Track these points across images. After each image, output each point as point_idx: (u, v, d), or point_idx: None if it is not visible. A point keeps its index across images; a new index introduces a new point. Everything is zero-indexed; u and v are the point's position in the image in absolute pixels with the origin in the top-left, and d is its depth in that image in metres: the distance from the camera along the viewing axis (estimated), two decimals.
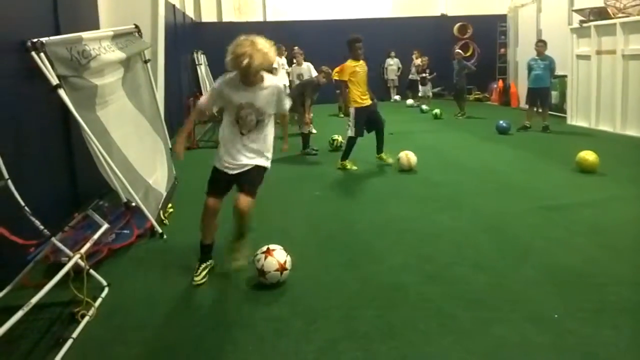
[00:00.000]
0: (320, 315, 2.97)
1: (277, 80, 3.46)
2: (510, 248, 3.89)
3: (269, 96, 3.32)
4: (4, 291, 3.11)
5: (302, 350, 2.61)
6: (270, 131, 3.45)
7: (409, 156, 6.64)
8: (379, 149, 7.04)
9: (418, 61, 14.50)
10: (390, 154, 6.93)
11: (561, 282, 3.27)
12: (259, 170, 3.42)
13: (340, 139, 8.23)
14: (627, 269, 3.41)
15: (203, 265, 3.50)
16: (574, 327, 2.72)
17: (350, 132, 6.69)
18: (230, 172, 3.38)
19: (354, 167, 6.76)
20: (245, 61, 3.03)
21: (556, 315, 2.84)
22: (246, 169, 3.37)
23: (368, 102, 6.73)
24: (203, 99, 3.57)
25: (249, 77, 3.20)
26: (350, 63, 6.69)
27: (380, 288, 3.28)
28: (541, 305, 2.98)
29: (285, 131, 3.94)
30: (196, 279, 3.42)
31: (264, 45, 3.11)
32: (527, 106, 9.92)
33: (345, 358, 2.53)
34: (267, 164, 3.46)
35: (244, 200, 3.29)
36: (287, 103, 3.53)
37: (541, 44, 9.46)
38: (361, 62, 6.74)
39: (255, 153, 3.39)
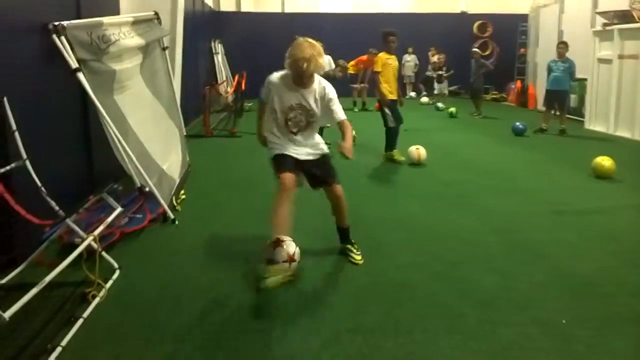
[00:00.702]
0: (327, 307, 2.99)
1: (324, 81, 3.42)
2: (520, 250, 3.87)
3: (318, 97, 3.34)
4: (19, 268, 3.18)
5: (307, 341, 2.63)
6: (316, 131, 3.51)
7: (419, 150, 6.75)
8: (389, 147, 6.99)
9: (434, 58, 14.41)
10: (403, 151, 6.92)
11: (570, 288, 3.25)
12: (326, 158, 3.50)
13: (354, 132, 8.21)
14: (638, 279, 3.37)
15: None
16: (581, 334, 2.70)
17: (391, 123, 6.74)
18: (293, 154, 3.39)
19: (402, 158, 6.78)
20: (305, 65, 3.08)
21: (564, 321, 2.83)
22: (313, 158, 3.43)
23: (394, 97, 6.79)
24: (262, 93, 3.50)
25: (304, 79, 3.23)
26: (383, 55, 6.77)
27: (389, 284, 3.29)
28: (549, 310, 2.96)
29: (348, 135, 3.39)
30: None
31: (320, 48, 3.17)
32: (544, 108, 9.82)
33: (350, 351, 2.54)
34: (326, 149, 3.53)
35: (337, 188, 3.45)
36: (340, 111, 3.43)
37: (562, 46, 9.34)
38: (393, 56, 6.81)
39: (311, 147, 3.46)
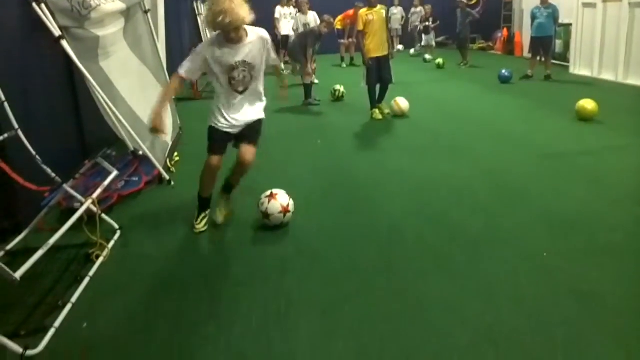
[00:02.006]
0: (322, 254, 3.14)
1: (259, 30, 3.33)
2: (506, 193, 4.02)
3: (258, 49, 3.29)
4: (22, 234, 3.27)
5: (305, 285, 2.79)
6: (262, 83, 3.46)
7: (397, 102, 6.85)
8: (371, 105, 6.95)
9: (418, 10, 14.23)
10: (387, 104, 6.98)
11: (553, 225, 3.41)
12: (259, 122, 3.49)
13: (342, 89, 8.23)
14: (619, 216, 3.52)
15: (202, 215, 3.57)
16: (562, 265, 2.88)
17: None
18: (233, 131, 3.41)
19: (380, 117, 6.79)
20: (222, 17, 2.95)
21: (545, 254, 3.00)
22: (249, 124, 3.44)
23: (382, 52, 6.59)
24: (184, 69, 3.29)
25: (232, 34, 3.11)
26: (363, 12, 6.55)
27: (380, 231, 3.44)
28: (533, 246, 3.13)
29: (284, 80, 3.97)
30: (198, 227, 3.53)
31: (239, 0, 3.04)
32: (530, 55, 9.83)
33: (346, 291, 2.70)
34: (264, 115, 3.53)
35: (250, 151, 3.37)
36: (274, 53, 3.51)
37: None
38: (377, 8, 6.52)
39: (254, 108, 3.46)
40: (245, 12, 3.05)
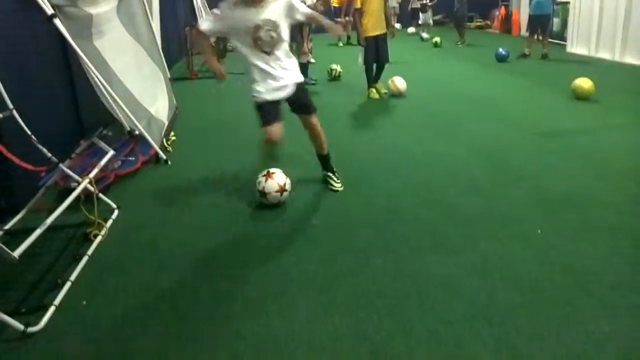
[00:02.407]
0: (319, 232, 3.16)
1: None
2: (502, 173, 4.04)
3: (281, 8, 3.27)
4: (20, 214, 3.29)
5: (302, 263, 2.81)
6: (287, 43, 3.41)
7: (394, 82, 6.83)
8: (374, 80, 6.94)
9: None
10: (385, 84, 6.95)
11: (548, 203, 3.44)
12: (301, 86, 3.49)
13: (339, 68, 8.19)
14: (613, 194, 3.55)
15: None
16: (556, 243, 2.91)
17: (360, 59, 6.64)
18: (278, 96, 3.37)
19: (376, 96, 6.79)
20: None
21: (539, 231, 3.04)
22: (291, 90, 3.40)
23: (379, 31, 6.53)
24: (205, 25, 3.30)
25: None
26: None
27: (377, 209, 3.46)
28: (527, 224, 3.16)
29: (320, 20, 3.60)
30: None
31: None
32: (527, 34, 9.78)
33: (343, 269, 2.73)
34: (302, 77, 3.53)
35: (313, 121, 3.56)
36: (303, 6, 3.41)
37: None
38: None
39: (289, 68, 3.41)
40: None
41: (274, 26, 3.25)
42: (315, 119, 3.58)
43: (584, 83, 6.18)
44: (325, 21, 3.56)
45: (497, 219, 3.25)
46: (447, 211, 3.40)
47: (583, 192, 3.61)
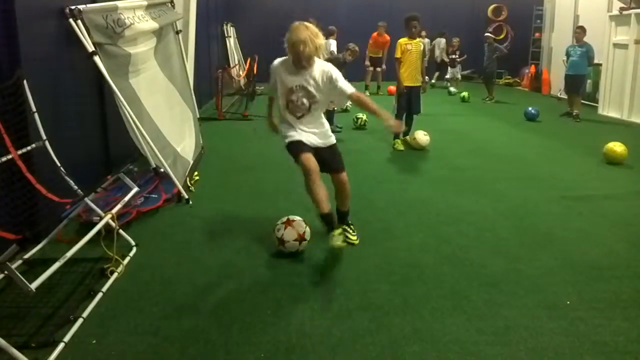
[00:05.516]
0: (337, 285, 3.08)
1: (325, 64, 3.43)
2: (529, 235, 3.91)
3: (317, 79, 3.35)
4: (41, 244, 3.30)
5: (317, 318, 2.72)
6: (322, 116, 3.54)
7: (416, 138, 6.79)
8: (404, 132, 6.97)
9: (442, 42, 14.28)
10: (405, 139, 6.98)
11: (578, 272, 3.29)
12: (335, 147, 3.57)
13: (364, 117, 8.24)
14: None
15: (335, 231, 3.29)
16: (586, 316, 2.76)
17: (393, 111, 6.71)
18: (309, 139, 3.42)
19: (401, 148, 6.80)
20: (301, 47, 3.16)
21: (568, 302, 2.89)
22: (323, 146, 3.48)
23: (414, 83, 6.71)
24: (270, 81, 3.54)
25: (302, 62, 3.27)
26: (403, 41, 6.67)
27: (398, 265, 3.37)
28: (555, 293, 3.01)
29: (372, 107, 3.48)
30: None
31: (316, 30, 3.24)
32: (558, 94, 9.74)
33: (358, 327, 2.63)
34: (334, 139, 3.58)
35: (342, 178, 3.54)
36: (347, 84, 3.40)
37: (579, 31, 9.27)
38: (416, 40, 6.70)
39: (320, 130, 3.49)
40: (320, 43, 3.25)
41: (307, 94, 3.36)
42: (345, 177, 3.57)
43: (616, 147, 6.05)
44: (383, 111, 3.43)
45: (523, 284, 3.12)
46: (470, 271, 3.29)
47: (615, 261, 3.46)
